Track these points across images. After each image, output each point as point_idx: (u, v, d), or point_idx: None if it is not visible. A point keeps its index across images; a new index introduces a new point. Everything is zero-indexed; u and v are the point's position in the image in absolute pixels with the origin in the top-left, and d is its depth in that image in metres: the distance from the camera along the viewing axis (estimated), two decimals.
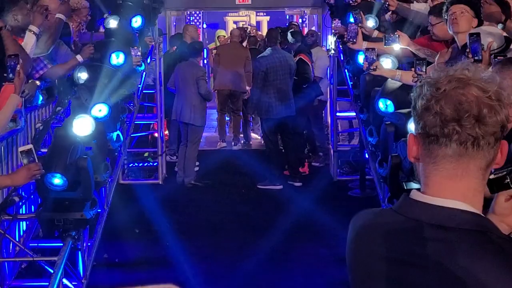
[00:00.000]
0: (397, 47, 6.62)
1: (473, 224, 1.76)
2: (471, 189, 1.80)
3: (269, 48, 11.02)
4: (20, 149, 5.25)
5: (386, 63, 6.86)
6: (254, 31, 18.58)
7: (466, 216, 1.77)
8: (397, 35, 6.49)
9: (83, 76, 7.38)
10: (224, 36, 16.64)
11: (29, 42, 6.29)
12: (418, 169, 1.85)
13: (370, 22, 8.00)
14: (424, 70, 5.85)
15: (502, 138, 1.78)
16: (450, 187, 1.79)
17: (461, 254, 1.72)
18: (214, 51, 14.25)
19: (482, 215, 1.80)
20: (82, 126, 6.22)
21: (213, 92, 12.92)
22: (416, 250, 1.78)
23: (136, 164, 11.66)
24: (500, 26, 5.65)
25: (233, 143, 13.58)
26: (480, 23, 5.71)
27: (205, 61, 15.85)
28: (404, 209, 1.86)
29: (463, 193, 1.78)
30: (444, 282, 1.73)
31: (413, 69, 5.91)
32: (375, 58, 6.33)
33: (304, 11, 16.81)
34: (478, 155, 1.76)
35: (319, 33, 13.81)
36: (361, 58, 7.62)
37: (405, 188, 5.89)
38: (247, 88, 12.77)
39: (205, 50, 19.29)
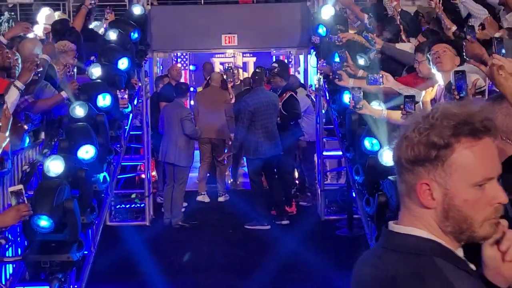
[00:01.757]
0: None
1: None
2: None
3: (255, 88, 11.05)
4: (10, 189, 5.24)
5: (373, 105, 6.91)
6: (236, 72, 18.32)
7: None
8: (381, 75, 6.55)
9: (79, 112, 7.31)
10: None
11: (11, 96, 6.18)
12: None
13: (361, 61, 8.09)
14: (413, 108, 5.90)
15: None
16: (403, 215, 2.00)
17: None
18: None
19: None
20: (54, 167, 6.22)
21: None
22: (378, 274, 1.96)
23: (123, 205, 11.63)
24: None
25: (219, 194, 12.59)
26: (462, 61, 5.79)
27: (192, 102, 15.62)
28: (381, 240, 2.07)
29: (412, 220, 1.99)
30: None
31: (402, 106, 5.95)
32: (361, 97, 6.38)
33: (290, 51, 16.92)
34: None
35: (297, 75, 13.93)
36: (346, 97, 7.68)
37: None
38: (231, 134, 12.14)
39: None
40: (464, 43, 5.82)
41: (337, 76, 7.39)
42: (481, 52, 5.52)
